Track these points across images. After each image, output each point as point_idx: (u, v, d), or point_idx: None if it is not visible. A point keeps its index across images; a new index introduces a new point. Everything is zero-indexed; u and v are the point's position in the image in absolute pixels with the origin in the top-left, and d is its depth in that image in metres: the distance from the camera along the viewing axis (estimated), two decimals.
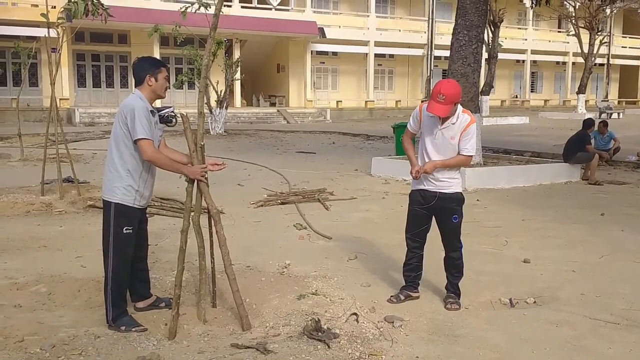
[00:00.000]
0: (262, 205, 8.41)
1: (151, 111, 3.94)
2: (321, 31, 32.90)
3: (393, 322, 4.08)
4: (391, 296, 4.59)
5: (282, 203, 8.57)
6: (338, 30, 34.45)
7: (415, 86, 39.60)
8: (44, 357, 3.48)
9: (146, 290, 4.31)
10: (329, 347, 3.63)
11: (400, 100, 38.30)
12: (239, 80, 28.37)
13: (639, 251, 5.99)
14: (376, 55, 35.96)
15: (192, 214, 4.04)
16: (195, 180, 3.97)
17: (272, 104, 34.13)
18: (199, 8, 4.44)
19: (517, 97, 44.42)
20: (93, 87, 30.65)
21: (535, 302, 4.57)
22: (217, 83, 21.54)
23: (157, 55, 28.65)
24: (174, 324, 3.86)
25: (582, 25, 33.58)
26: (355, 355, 3.56)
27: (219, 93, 21.82)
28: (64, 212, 7.75)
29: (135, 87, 4.05)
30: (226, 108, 22.74)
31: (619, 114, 31.49)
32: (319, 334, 3.77)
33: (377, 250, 6.05)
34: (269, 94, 35.08)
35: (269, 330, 3.93)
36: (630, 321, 4.12)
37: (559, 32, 44.95)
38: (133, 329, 3.87)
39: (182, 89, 29.88)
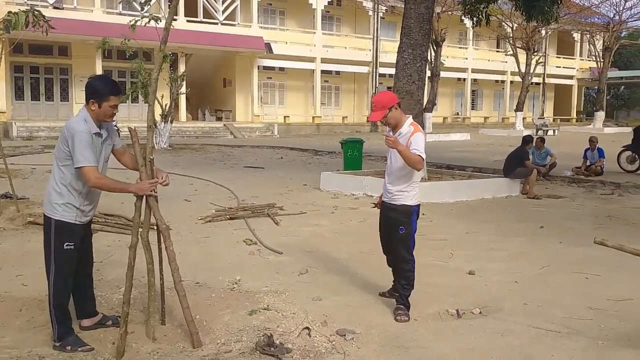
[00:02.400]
0: (210, 221, 8.33)
1: (95, 133, 3.81)
2: (268, 46, 33.00)
3: (345, 335, 4.12)
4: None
5: (231, 218, 8.52)
6: (285, 46, 34.63)
7: (362, 103, 40.15)
8: None
9: (92, 307, 4.21)
10: None
11: (347, 116, 38.75)
12: (185, 95, 28.10)
13: (576, 262, 6.25)
14: (323, 71, 36.30)
15: (141, 229, 3.98)
16: (144, 196, 3.92)
17: (219, 119, 33.89)
18: (149, 21, 4.40)
19: (458, 114, 45.66)
20: (31, 100, 29.65)
21: (480, 312, 4.70)
22: (162, 97, 21.25)
23: (99, 68, 28.08)
24: (122, 343, 3.78)
25: (520, 46, 34.95)
26: None
27: (163, 107, 21.54)
28: (2, 229, 7.46)
29: (86, 103, 3.91)
30: (171, 122, 22.44)
31: (554, 130, 32.77)
32: (272, 349, 3.78)
33: (327, 264, 6.09)
34: (215, 109, 34.82)
35: (221, 347, 3.90)
36: (571, 329, 4.30)
37: (497, 51, 46.63)
38: (79, 349, 3.77)
39: (126, 102, 29.32)
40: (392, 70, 38.07)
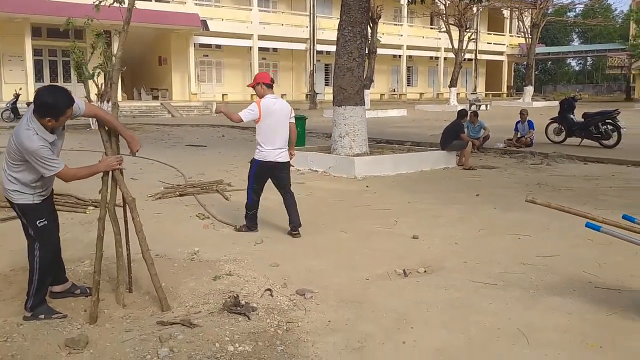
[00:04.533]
0: (160, 198, 8.47)
1: (51, 142, 3.74)
2: (204, 24, 32.62)
3: (304, 294, 4.45)
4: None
5: (181, 195, 8.67)
6: (221, 23, 34.31)
7: (300, 80, 40.35)
8: None
9: (63, 275, 4.37)
10: (249, 318, 3.93)
11: (285, 94, 38.81)
12: (120, 73, 27.50)
13: (509, 225, 6.80)
14: (260, 48, 36.23)
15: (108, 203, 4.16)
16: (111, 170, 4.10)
17: (155, 97, 33.36)
18: (113, 2, 4.51)
19: (395, 90, 46.59)
20: None
21: (425, 271, 5.13)
22: (97, 75, 20.78)
23: (29, 47, 27.07)
24: (95, 309, 3.97)
25: (452, 23, 35.91)
26: (274, 323, 3.89)
27: (99, 86, 21.09)
28: None
29: (34, 112, 3.71)
30: (108, 102, 21.99)
31: (486, 105, 34.00)
32: (239, 308, 4.07)
33: (280, 235, 6.39)
34: (151, 87, 34.24)
35: (190, 309, 4.16)
36: (506, 282, 4.79)
37: (431, 28, 47.69)
38: (53, 316, 3.94)
39: (58, 82, 28.43)
40: (330, 48, 38.29)
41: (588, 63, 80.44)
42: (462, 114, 12.60)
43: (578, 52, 63.27)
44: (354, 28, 11.72)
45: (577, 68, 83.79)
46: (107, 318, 4.01)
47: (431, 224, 6.94)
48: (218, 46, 35.80)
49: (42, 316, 3.93)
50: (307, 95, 38.51)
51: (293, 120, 6.46)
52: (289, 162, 6.50)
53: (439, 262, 5.36)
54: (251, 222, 6.58)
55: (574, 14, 67.85)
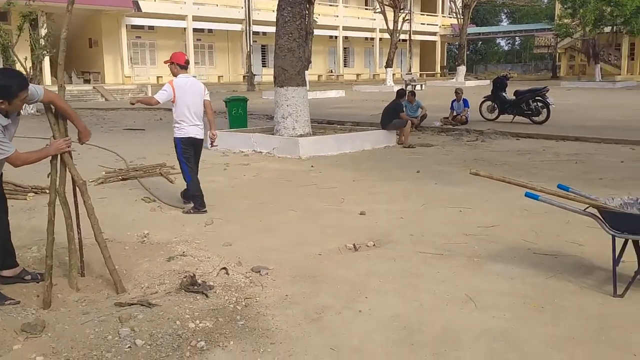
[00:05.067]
0: (102, 182, 8.32)
1: (5, 125, 3.70)
2: (136, 4, 31.70)
3: (260, 271, 4.53)
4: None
5: (124, 179, 8.54)
6: (154, 4, 33.44)
7: (236, 61, 39.90)
8: None
9: (13, 259, 4.28)
10: (207, 296, 3.98)
11: (222, 76, 38.41)
12: (48, 57, 26.40)
13: (450, 199, 7.08)
14: (195, 29, 35.56)
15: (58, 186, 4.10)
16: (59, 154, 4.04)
17: (87, 81, 32.28)
18: None
19: (332, 71, 46.78)
20: None
21: (374, 245, 5.30)
22: (25, 60, 19.96)
23: None
24: (48, 294, 3.92)
25: (387, 3, 36.31)
26: (232, 300, 3.96)
27: (27, 70, 20.24)
28: None
29: None
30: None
31: (422, 85, 34.70)
32: (196, 287, 4.11)
33: (230, 215, 6.43)
34: (82, 71, 33.07)
35: (146, 290, 4.17)
36: (451, 252, 5.02)
37: (366, 9, 48.03)
38: (6, 303, 3.87)
39: None
40: (266, 28, 38.01)
41: (516, 43, 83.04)
42: (400, 93, 12.86)
43: (507, 32, 65.23)
44: (293, 8, 11.72)
45: (506, 48, 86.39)
46: (61, 302, 3.97)
47: (376, 200, 7.13)
48: (151, 27, 34.90)
49: None
50: (244, 76, 38.18)
51: (208, 99, 6.81)
52: (203, 139, 6.88)
53: (387, 236, 5.55)
54: (199, 203, 6.61)
55: None
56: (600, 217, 4.07)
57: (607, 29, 37.66)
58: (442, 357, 3.19)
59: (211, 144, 7.46)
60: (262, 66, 41.87)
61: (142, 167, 9.38)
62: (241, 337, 3.44)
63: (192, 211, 6.56)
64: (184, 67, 6.65)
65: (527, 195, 4.21)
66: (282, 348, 3.31)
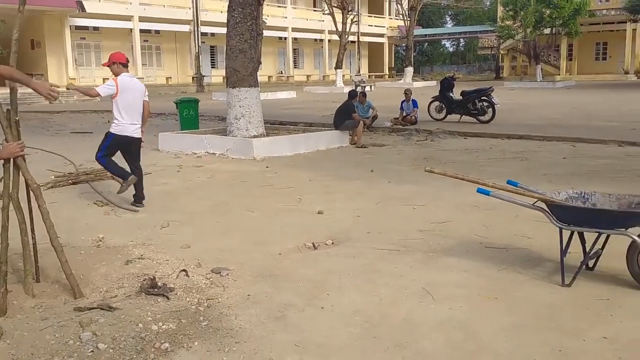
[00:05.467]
0: (52, 187, 8.11)
1: None
2: (80, 5, 30.92)
3: (220, 272, 4.54)
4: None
5: (74, 183, 8.36)
6: (98, 4, 32.69)
7: (185, 62, 39.42)
8: None
9: None
10: (168, 298, 3.98)
11: (170, 77, 37.89)
12: None
13: (404, 197, 7.23)
14: (142, 30, 34.94)
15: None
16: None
17: None
18: None
19: (282, 72, 46.77)
20: None
21: (333, 243, 5.39)
22: None
23: None
24: (3, 300, 3.83)
25: (335, 5, 36.56)
26: (194, 301, 3.96)
27: None
28: None
29: None
30: None
31: (371, 86, 35.08)
32: (156, 289, 4.09)
33: (186, 217, 6.39)
34: (24, 73, 31.96)
35: (105, 294, 4.12)
36: (407, 247, 5.15)
37: (314, 11, 48.22)
38: None
39: None
40: (215, 29, 37.64)
41: (461, 44, 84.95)
42: (352, 94, 13.02)
43: (452, 33, 66.63)
44: (244, 9, 11.72)
45: (451, 49, 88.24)
46: (17, 309, 3.88)
47: (333, 199, 7.22)
48: (96, 28, 34.10)
49: None
50: (193, 78, 37.76)
51: (147, 99, 7.01)
52: (141, 138, 7.00)
53: (345, 234, 5.64)
54: (125, 175, 6.90)
55: None
56: (548, 210, 4.27)
57: (547, 31, 38.95)
58: (403, 348, 3.29)
59: None
60: (211, 67, 41.50)
61: (93, 170, 9.17)
62: (205, 337, 3.45)
63: (124, 185, 6.85)
64: (126, 65, 6.81)
65: (478, 191, 4.38)
66: (247, 347, 3.34)
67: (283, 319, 3.71)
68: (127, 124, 6.75)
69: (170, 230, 5.90)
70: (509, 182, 4.57)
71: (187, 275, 4.47)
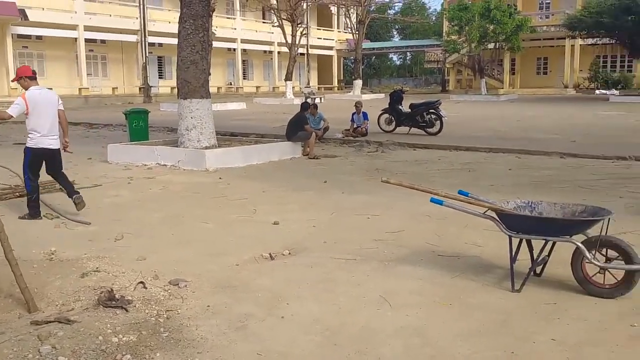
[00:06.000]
0: None
1: None
2: (22, 13, 30.01)
3: (178, 284, 4.53)
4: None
5: (21, 195, 8.11)
6: (42, 13, 31.80)
7: (131, 73, 38.75)
8: None
9: None
10: (127, 310, 3.95)
11: (117, 87, 37.14)
12: None
13: (358, 207, 7.36)
14: (87, 40, 34.18)
15: None
16: None
17: None
18: None
19: (231, 84, 46.55)
20: None
21: (290, 253, 5.44)
22: None
23: None
24: None
25: (285, 18, 36.77)
26: (153, 313, 3.95)
27: None
28: None
29: None
30: None
31: (321, 98, 35.33)
32: (114, 302, 4.05)
33: (141, 229, 6.33)
34: None
35: (61, 307, 4.05)
36: (363, 256, 5.26)
37: (264, 22, 48.30)
38: None
39: None
40: (162, 39, 37.13)
41: (408, 58, 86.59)
42: (305, 106, 13.15)
43: (399, 47, 67.92)
44: (196, 21, 11.69)
45: (398, 62, 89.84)
46: None
47: (287, 209, 7.28)
48: (39, 37, 33.15)
49: None
50: (140, 88, 37.16)
51: (62, 108, 6.95)
52: (59, 148, 6.98)
53: (301, 244, 5.71)
54: (34, 210, 6.86)
55: (394, 11, 72.98)
56: (497, 219, 4.46)
57: (491, 46, 40.23)
58: (364, 354, 3.38)
59: (64, 149, 7.31)
60: (159, 78, 40.92)
61: (40, 183, 8.94)
62: (167, 348, 3.45)
63: (26, 217, 6.80)
64: (34, 78, 6.77)
65: (432, 200, 4.53)
66: (209, 356, 3.36)
67: (244, 329, 3.74)
68: (42, 137, 6.72)
69: (124, 242, 5.83)
70: (460, 192, 4.74)
71: (144, 287, 4.44)
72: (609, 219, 4.17)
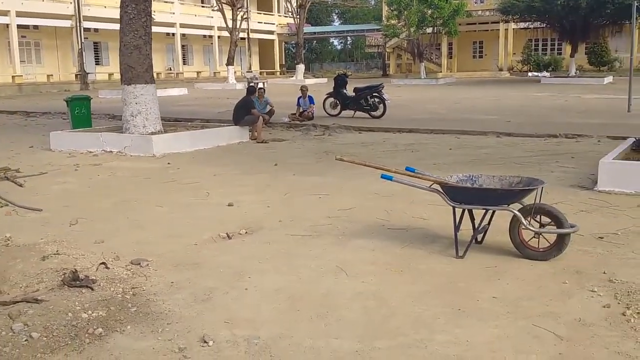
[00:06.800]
0: None
1: None
2: None
3: (140, 264, 4.66)
4: None
5: None
6: None
7: (67, 59, 37.58)
8: None
9: None
10: (92, 289, 4.06)
11: (52, 75, 35.96)
12: None
13: (309, 188, 7.59)
14: (19, 26, 32.90)
15: None
16: None
17: None
18: None
19: (171, 69, 45.81)
20: None
21: (247, 232, 5.63)
22: None
23: None
24: None
25: (225, 2, 36.39)
26: (119, 291, 4.08)
27: None
28: None
29: None
30: None
31: (264, 83, 35.28)
32: (78, 282, 4.16)
33: (94, 214, 6.36)
34: None
35: (25, 288, 4.12)
36: (318, 232, 5.51)
37: (203, 7, 47.64)
38: None
39: None
40: (98, 24, 36.08)
41: (348, 42, 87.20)
42: (251, 90, 13.24)
43: (340, 32, 68.31)
44: (138, 5, 11.57)
45: (339, 47, 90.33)
46: None
47: (241, 192, 7.44)
48: None
49: None
50: (77, 75, 36.12)
51: None
52: None
53: (257, 223, 5.90)
54: None
55: None
56: (442, 191, 4.79)
57: (429, 30, 41.09)
58: (325, 317, 3.63)
59: None
60: (96, 64, 39.84)
61: None
62: (137, 321, 3.60)
63: None
64: None
65: (382, 177, 4.82)
66: (179, 327, 3.54)
67: (210, 301, 3.93)
68: None
69: (80, 227, 5.87)
70: (407, 169, 5.05)
71: (106, 267, 4.54)
72: (542, 188, 4.56)
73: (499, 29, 46.88)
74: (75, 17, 35.74)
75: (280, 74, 55.99)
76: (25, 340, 3.29)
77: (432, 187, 4.88)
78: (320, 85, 33.82)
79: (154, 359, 3.15)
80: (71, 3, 35.49)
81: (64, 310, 3.67)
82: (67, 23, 35.79)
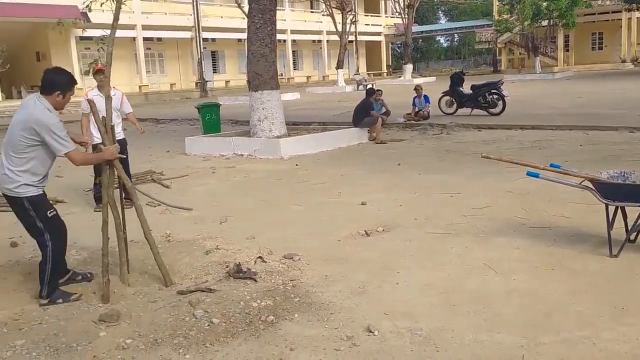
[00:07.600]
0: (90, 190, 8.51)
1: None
2: (85, 16, 31.20)
3: (292, 258, 4.95)
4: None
5: (115, 187, 8.75)
6: (102, 15, 32.88)
7: (187, 68, 39.80)
8: (3, 333, 3.68)
9: (65, 265, 4.54)
10: (256, 281, 4.39)
11: (174, 84, 38.25)
12: None
13: (438, 186, 7.64)
14: (144, 38, 35.32)
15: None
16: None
17: None
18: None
19: (282, 74, 47.11)
20: None
21: (384, 230, 5.79)
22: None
23: None
24: (107, 289, 4.24)
25: (334, 6, 36.98)
26: (279, 282, 4.37)
27: None
28: None
29: (42, 93, 4.10)
30: None
31: (372, 84, 35.48)
32: (242, 274, 4.50)
33: (240, 213, 6.79)
34: (31, 85, 32.30)
35: (195, 280, 4.53)
36: (457, 230, 5.56)
37: (312, 12, 48.65)
38: (71, 299, 4.17)
39: None
40: (215, 34, 37.61)
41: (455, 39, 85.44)
42: (370, 92, 13.45)
43: (449, 29, 67.03)
44: (264, 15, 12.11)
45: (445, 45, 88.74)
46: (119, 297, 4.28)
47: (369, 191, 7.63)
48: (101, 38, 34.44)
49: (60, 300, 4.14)
50: (197, 83, 38.15)
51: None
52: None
53: (393, 221, 6.05)
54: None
55: None
56: (594, 188, 4.68)
57: (544, 23, 39.40)
58: (482, 313, 3.70)
59: None
60: (213, 72, 41.90)
61: (134, 175, 9.59)
62: (302, 310, 3.86)
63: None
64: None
65: (528, 174, 4.79)
66: (342, 316, 3.75)
67: (365, 294, 4.12)
68: None
69: (229, 225, 6.30)
70: (551, 165, 4.98)
71: (263, 261, 4.87)
72: None
73: (620, 19, 44.07)
74: (195, 29, 37.78)
75: (387, 74, 55.93)
76: (208, 325, 3.63)
77: (582, 183, 4.78)
78: (429, 84, 33.42)
79: (325, 346, 3.37)
80: (191, 15, 37.56)
81: (236, 299, 4.00)
82: (187, 34, 37.92)
